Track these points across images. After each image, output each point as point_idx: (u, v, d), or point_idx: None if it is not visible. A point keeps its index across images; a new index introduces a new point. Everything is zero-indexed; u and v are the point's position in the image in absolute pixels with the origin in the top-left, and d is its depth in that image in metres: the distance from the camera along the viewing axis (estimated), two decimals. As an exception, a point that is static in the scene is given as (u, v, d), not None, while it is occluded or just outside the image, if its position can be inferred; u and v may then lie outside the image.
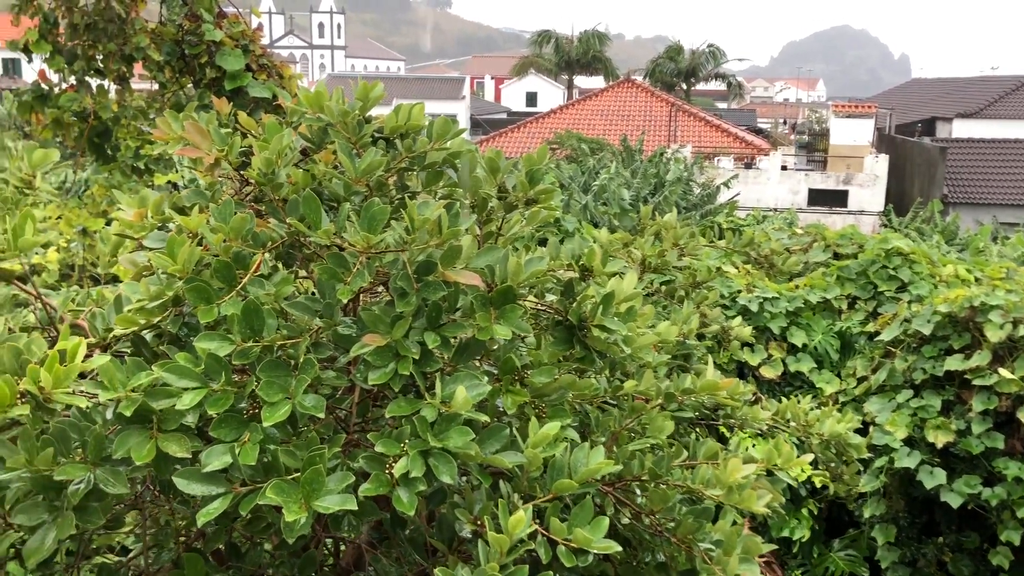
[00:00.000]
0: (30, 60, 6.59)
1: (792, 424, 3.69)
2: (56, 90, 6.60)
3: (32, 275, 8.74)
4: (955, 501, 6.32)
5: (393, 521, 2.23)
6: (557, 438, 1.90)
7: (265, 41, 6.98)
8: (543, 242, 9.46)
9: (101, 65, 6.61)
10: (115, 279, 2.50)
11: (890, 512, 6.85)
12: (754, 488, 2.25)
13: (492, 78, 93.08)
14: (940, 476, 6.37)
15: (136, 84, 6.96)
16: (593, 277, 2.29)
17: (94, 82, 6.66)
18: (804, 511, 7.29)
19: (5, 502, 1.79)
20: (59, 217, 8.82)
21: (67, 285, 9.32)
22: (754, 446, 7.37)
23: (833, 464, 3.99)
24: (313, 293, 2.39)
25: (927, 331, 6.75)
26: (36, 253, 8.82)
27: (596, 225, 15.02)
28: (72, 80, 6.63)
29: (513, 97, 76.14)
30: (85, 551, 2.51)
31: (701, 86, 62.51)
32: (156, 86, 6.80)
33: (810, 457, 2.54)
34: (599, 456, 1.94)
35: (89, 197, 8.84)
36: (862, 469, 6.54)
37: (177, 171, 9.30)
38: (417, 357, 1.90)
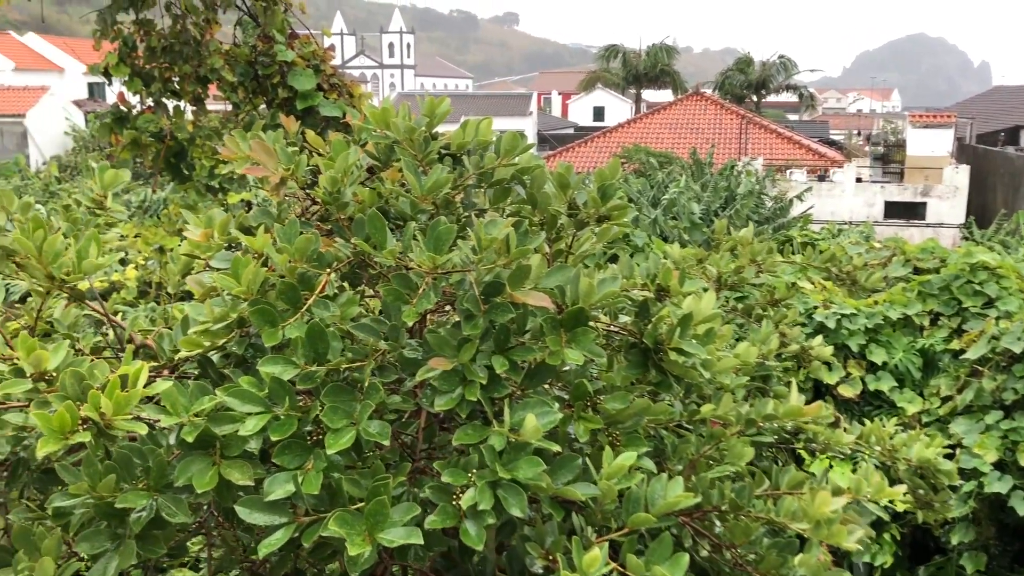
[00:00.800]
0: (110, 83, 6.77)
1: (877, 448, 3.51)
2: (134, 112, 6.76)
3: (111, 292, 8.93)
4: (1051, 529, 5.99)
5: (461, 550, 2.15)
6: (633, 468, 1.80)
7: (336, 61, 7.04)
8: (613, 258, 9.33)
9: (177, 87, 6.75)
10: (190, 295, 2.50)
11: (980, 539, 6.53)
12: (843, 522, 2.11)
13: (559, 93, 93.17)
14: (1035, 502, 6.04)
15: (210, 104, 7.10)
16: (669, 297, 2.18)
17: (170, 103, 6.80)
18: (886, 536, 6.99)
19: (69, 528, 1.76)
20: (137, 235, 9.05)
21: (145, 302, 9.54)
22: (831, 467, 7.12)
23: (922, 491, 3.78)
24: (380, 312, 2.33)
25: (1018, 349, 6.43)
26: (115, 270, 9.05)
27: (666, 239, 14.82)
28: (149, 102, 6.78)
29: (580, 112, 76.02)
30: (157, 564, 2.49)
31: (772, 98, 61.52)
32: (230, 106, 6.91)
33: (903, 488, 2.38)
34: (678, 488, 1.83)
35: (166, 216, 9.05)
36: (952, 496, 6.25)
37: (251, 190, 9.47)
38: (484, 382, 1.82)
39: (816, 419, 2.73)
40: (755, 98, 57.21)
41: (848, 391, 7.69)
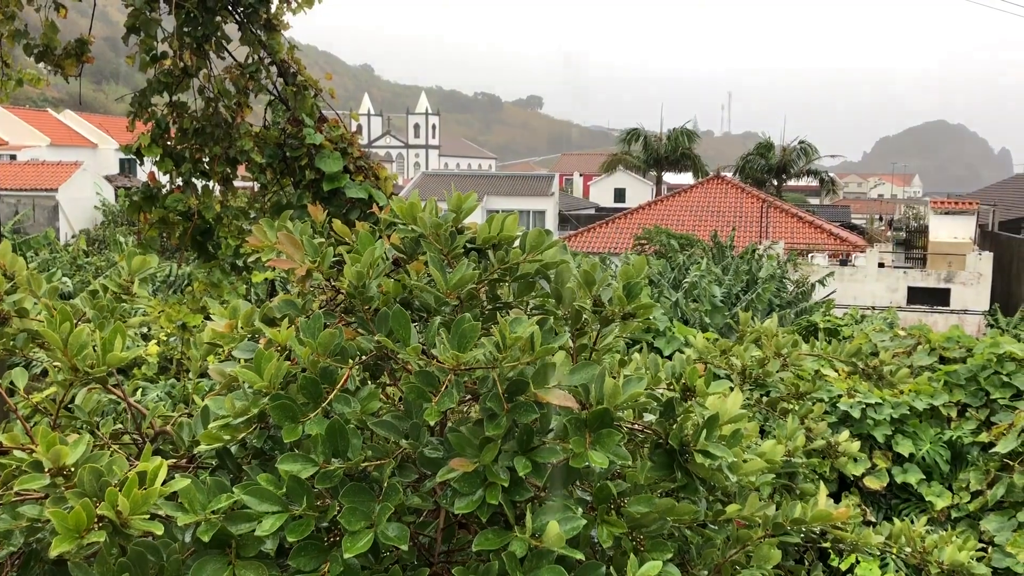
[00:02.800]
0: (141, 163, 6.89)
1: (907, 550, 3.41)
2: (163, 191, 6.86)
3: (132, 367, 8.88)
4: (1090, 635, 5.75)
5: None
6: (658, 578, 1.75)
7: (363, 141, 7.16)
8: (635, 341, 9.22)
9: (207, 167, 6.86)
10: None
11: (1014, 643, 6.27)
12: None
13: (581, 175, 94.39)
14: (1072, 606, 5.82)
15: (237, 183, 7.20)
16: (695, 397, 2.15)
17: (199, 183, 6.91)
18: (915, 637, 6.74)
19: (80, 628, 1.72)
20: (161, 311, 9.11)
21: (165, 378, 9.56)
22: (858, 561, 6.90)
23: (955, 596, 3.65)
24: (401, 398, 2.31)
25: (1050, 444, 6.28)
26: (137, 345, 9.10)
27: (687, 322, 14.75)
28: (179, 181, 6.88)
29: (601, 193, 76.82)
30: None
31: (792, 182, 61.94)
32: (257, 186, 7.01)
33: (938, 601, 2.29)
34: (704, 600, 1.77)
35: (189, 293, 9.13)
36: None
37: (274, 269, 9.55)
38: (506, 484, 1.78)
39: (846, 522, 2.65)
40: (776, 182, 57.59)
41: (874, 483, 7.51)
